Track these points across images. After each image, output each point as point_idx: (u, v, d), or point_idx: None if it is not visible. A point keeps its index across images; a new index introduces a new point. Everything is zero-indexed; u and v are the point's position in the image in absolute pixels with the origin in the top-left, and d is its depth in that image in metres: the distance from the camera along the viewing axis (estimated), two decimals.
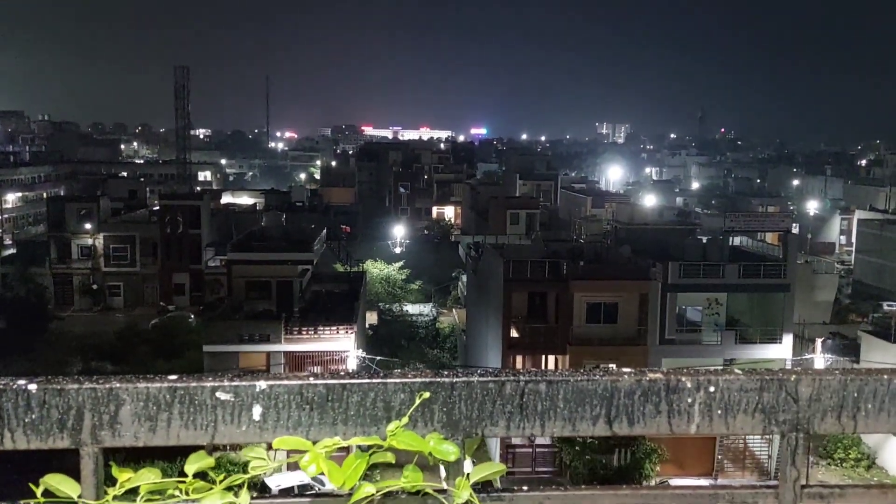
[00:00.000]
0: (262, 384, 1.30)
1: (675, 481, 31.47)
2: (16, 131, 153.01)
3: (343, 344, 33.36)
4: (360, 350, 34.70)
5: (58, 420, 1.28)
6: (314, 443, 1.31)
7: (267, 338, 33.30)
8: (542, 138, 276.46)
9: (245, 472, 1.35)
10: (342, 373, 1.33)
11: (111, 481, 1.33)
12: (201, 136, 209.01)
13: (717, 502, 1.48)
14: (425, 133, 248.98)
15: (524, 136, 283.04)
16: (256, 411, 1.31)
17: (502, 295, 34.80)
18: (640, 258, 36.61)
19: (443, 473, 1.35)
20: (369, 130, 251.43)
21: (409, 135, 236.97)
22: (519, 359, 36.47)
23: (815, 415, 1.39)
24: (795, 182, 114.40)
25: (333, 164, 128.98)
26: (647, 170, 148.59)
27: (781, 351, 35.51)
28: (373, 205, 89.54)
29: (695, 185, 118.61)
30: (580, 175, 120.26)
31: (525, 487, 1.44)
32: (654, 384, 1.37)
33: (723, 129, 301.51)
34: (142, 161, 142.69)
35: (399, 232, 72.43)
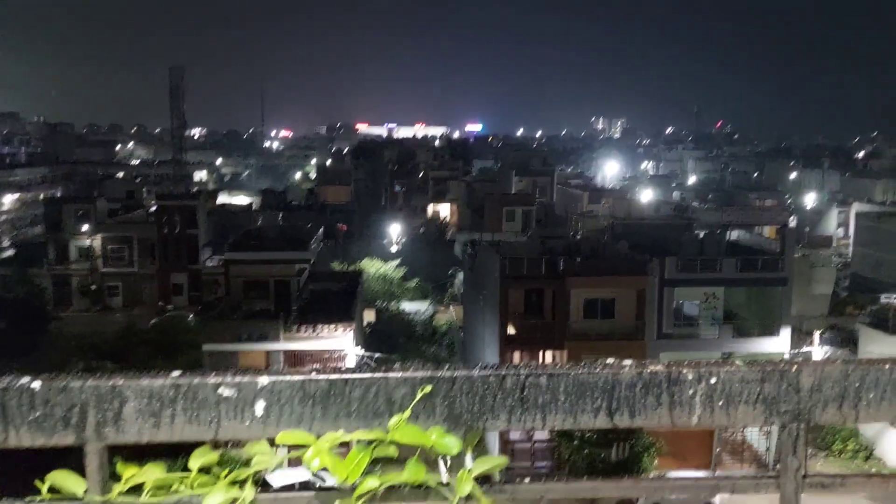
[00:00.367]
0: (264, 380, 1.31)
1: (673, 475, 31.53)
2: (11, 133, 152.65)
3: (342, 342, 33.39)
4: (359, 348, 34.74)
5: (62, 417, 1.29)
6: (317, 437, 1.32)
7: (265, 337, 33.32)
8: (538, 134, 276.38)
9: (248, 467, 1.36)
10: (344, 368, 1.34)
11: (116, 478, 1.33)
12: (196, 136, 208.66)
13: (718, 492, 1.49)
14: (420, 130, 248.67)
15: (520, 132, 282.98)
16: (259, 407, 1.31)
17: (499, 292, 34.83)
18: (637, 253, 36.65)
19: (442, 468, 1.36)
20: (364, 128, 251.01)
21: (404, 132, 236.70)
22: (516, 355, 36.51)
23: (817, 405, 1.40)
24: (793, 175, 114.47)
25: (329, 162, 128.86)
26: (644, 165, 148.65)
27: (779, 344, 35.59)
28: (369, 203, 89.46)
29: (692, 180, 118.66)
30: (577, 171, 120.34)
31: (527, 479, 1.45)
32: (655, 376, 1.37)
33: (719, 123, 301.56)
34: (138, 162, 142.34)
35: (395, 230, 72.43)
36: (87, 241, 61.28)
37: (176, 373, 1.32)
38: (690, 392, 1.38)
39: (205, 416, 1.31)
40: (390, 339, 44.98)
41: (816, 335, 36.36)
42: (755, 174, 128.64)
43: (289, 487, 1.43)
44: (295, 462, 1.37)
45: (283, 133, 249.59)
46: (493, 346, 35.96)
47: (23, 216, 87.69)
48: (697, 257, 36.53)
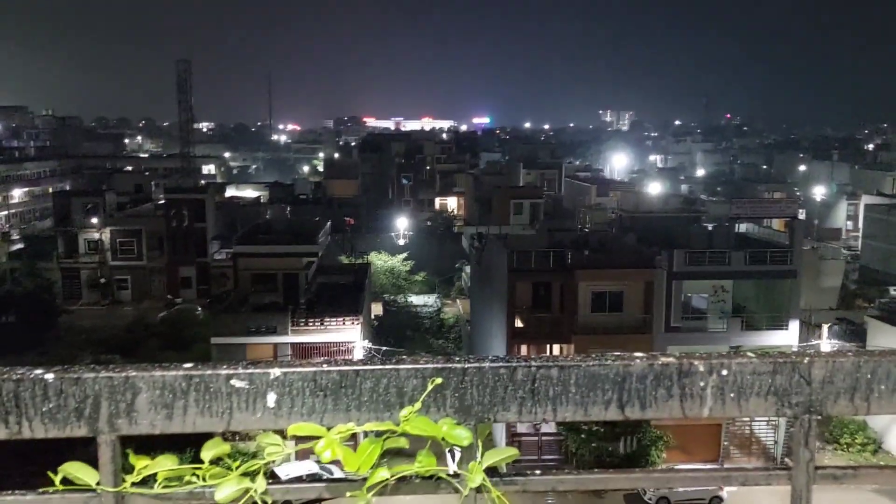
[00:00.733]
0: (276, 371, 1.32)
1: (681, 468, 31.53)
2: (20, 126, 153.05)
3: (349, 335, 33.46)
4: (367, 341, 34.80)
5: (75, 409, 1.29)
6: (328, 429, 1.33)
7: (274, 329, 33.41)
8: (546, 127, 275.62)
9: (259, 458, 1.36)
10: (355, 360, 1.34)
11: (128, 469, 1.34)
12: (205, 130, 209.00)
13: (729, 484, 1.48)
14: (427, 123, 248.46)
15: (527, 125, 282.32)
16: (271, 398, 1.32)
17: (506, 285, 34.80)
18: (645, 246, 36.56)
19: (449, 460, 1.36)
20: (371, 122, 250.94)
21: (411, 125, 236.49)
22: (524, 348, 36.49)
23: (829, 397, 1.39)
24: (802, 167, 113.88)
25: (336, 156, 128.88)
26: (652, 157, 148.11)
27: (788, 337, 35.47)
28: (376, 197, 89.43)
29: (700, 172, 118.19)
30: (584, 164, 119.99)
31: (538, 471, 1.45)
32: (666, 368, 1.37)
33: (728, 115, 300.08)
34: (146, 155, 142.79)
35: (402, 224, 72.42)
36: (96, 235, 61.53)
37: (188, 364, 1.33)
38: (702, 384, 1.38)
39: (217, 407, 1.31)
40: (398, 333, 45.05)
41: (825, 328, 36.20)
42: (764, 166, 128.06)
43: (298, 479, 1.43)
44: (301, 456, 1.37)
45: (291, 127, 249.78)
46: (500, 340, 35.96)
47: (32, 210, 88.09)
48: (706, 250, 36.41)
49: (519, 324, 35.31)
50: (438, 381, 1.32)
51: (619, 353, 1.39)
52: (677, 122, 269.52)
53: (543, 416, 1.36)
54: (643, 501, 30.05)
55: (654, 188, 79.47)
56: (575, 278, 34.40)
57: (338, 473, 1.33)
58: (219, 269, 56.23)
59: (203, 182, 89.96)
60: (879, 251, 64.39)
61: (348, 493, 1.36)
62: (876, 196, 76.58)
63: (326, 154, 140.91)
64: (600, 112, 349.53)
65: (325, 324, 33.64)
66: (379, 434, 1.33)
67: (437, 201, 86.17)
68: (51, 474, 1.33)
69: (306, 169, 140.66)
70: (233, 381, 1.31)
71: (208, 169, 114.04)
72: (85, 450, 1.41)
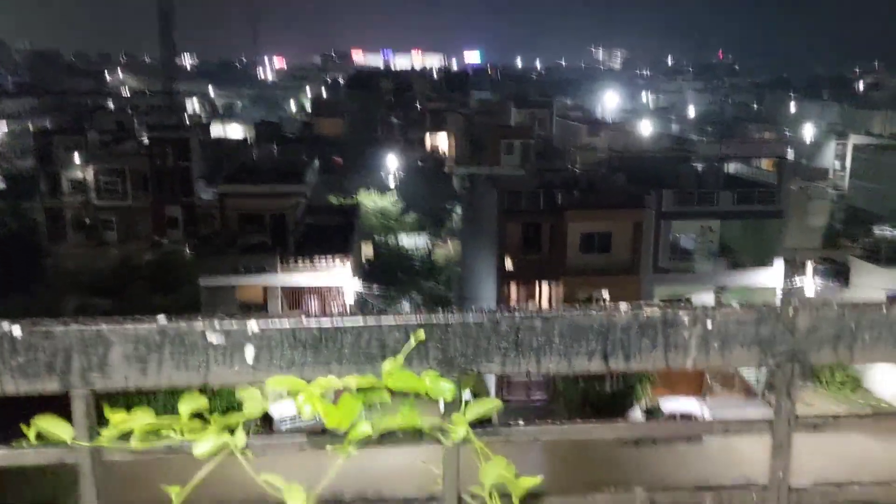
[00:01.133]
0: (253, 325, 1.29)
1: (665, 402, 32.19)
2: None
3: (339, 276, 33.53)
4: (357, 282, 34.92)
5: (46, 363, 1.26)
6: (308, 383, 1.31)
7: (263, 271, 33.40)
8: (537, 64, 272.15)
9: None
10: (335, 313, 1.32)
11: (104, 425, 1.32)
12: (189, 67, 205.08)
13: (712, 434, 1.49)
14: (417, 57, 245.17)
15: (519, 62, 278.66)
16: (249, 352, 1.29)
17: (496, 226, 34.84)
18: (635, 187, 36.56)
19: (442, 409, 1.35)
20: (359, 58, 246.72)
21: (400, 60, 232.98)
22: (513, 289, 36.76)
23: (812, 346, 1.39)
24: (792, 107, 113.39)
25: (324, 94, 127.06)
26: (644, 96, 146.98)
27: (772, 277, 35.89)
28: (365, 136, 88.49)
29: (691, 112, 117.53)
30: (576, 103, 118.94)
31: (521, 422, 1.44)
32: (650, 319, 1.36)
33: (721, 54, 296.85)
34: (128, 92, 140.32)
35: (392, 163, 71.92)
36: (79, 174, 60.78)
37: (162, 318, 1.30)
38: (686, 335, 1.37)
39: (193, 361, 1.29)
40: (388, 274, 45.19)
41: (809, 267, 36.60)
42: (755, 105, 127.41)
43: (279, 432, 1.42)
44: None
45: (277, 60, 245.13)
46: (490, 281, 36.18)
47: (12, 148, 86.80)
48: (695, 190, 36.48)
49: (509, 265, 35.48)
50: (421, 334, 1.30)
51: (603, 304, 1.38)
52: (669, 61, 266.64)
53: (527, 367, 1.35)
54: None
55: (646, 128, 79.06)
56: (564, 219, 34.45)
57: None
58: (205, 210, 55.88)
59: (187, 120, 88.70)
60: (866, 191, 64.70)
61: (329, 448, 1.35)
62: (864, 136, 76.50)
63: (314, 92, 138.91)
64: (592, 49, 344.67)
65: (315, 265, 33.65)
66: (361, 389, 1.32)
67: (428, 140, 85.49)
68: (24, 427, 1.30)
69: (293, 107, 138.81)
70: (209, 336, 1.28)
71: (192, 106, 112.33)
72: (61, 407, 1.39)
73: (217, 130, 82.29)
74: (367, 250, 45.14)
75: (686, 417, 31.28)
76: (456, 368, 1.33)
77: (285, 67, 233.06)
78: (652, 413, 31.93)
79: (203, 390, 1.36)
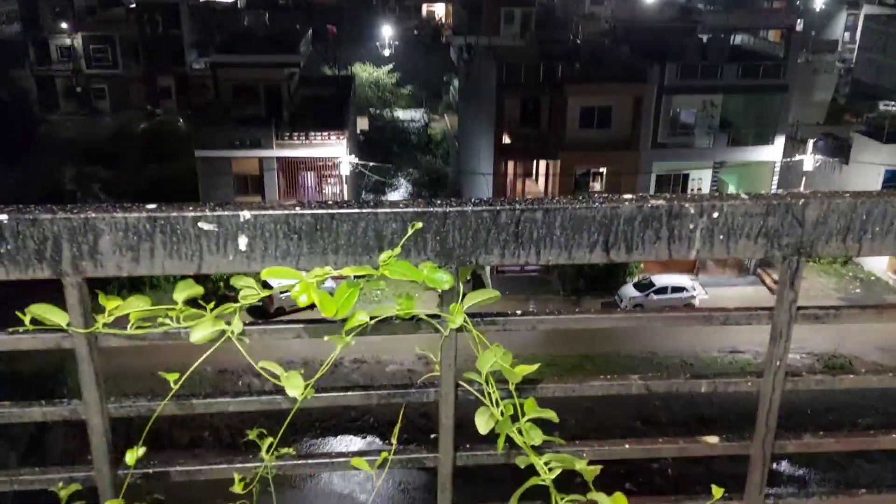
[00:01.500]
0: (246, 214, 1.25)
1: (657, 277, 32.77)
2: None
3: (335, 150, 33.21)
4: (353, 156, 34.63)
5: (35, 250, 1.24)
6: (304, 273, 1.29)
7: (258, 143, 33.04)
8: None
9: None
10: (330, 202, 1.28)
11: (99, 313, 1.31)
12: None
13: (711, 324, 1.49)
14: None
15: None
16: (242, 241, 1.26)
17: (495, 100, 34.19)
18: (638, 59, 35.61)
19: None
20: None
21: None
22: (510, 164, 36.55)
23: (820, 238, 1.37)
24: None
25: None
26: None
27: (772, 153, 35.63)
28: (359, 2, 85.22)
29: None
30: None
31: (519, 312, 1.44)
32: (655, 210, 1.32)
33: None
34: None
35: (387, 32, 69.65)
36: (68, 41, 58.98)
37: (151, 205, 1.26)
38: (691, 226, 1.34)
39: (186, 249, 1.26)
40: (384, 148, 44.78)
41: (810, 143, 36.26)
42: None
43: (278, 320, 1.41)
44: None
45: None
46: (487, 156, 35.89)
47: None
48: (699, 63, 35.56)
49: (507, 140, 35.08)
50: (419, 224, 1.27)
51: (607, 195, 1.34)
52: None
53: (527, 259, 1.33)
54: (618, 307, 31.47)
55: None
56: (564, 93, 33.76)
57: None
58: (198, 80, 54.57)
59: None
60: (874, 64, 63.21)
61: (326, 336, 1.34)
62: (878, 6, 73.89)
63: None
64: None
65: (311, 138, 33.24)
66: (358, 278, 1.30)
67: (424, 8, 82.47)
68: (19, 314, 1.30)
69: None
70: (200, 224, 1.25)
71: None
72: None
73: None
74: (362, 123, 44.53)
75: (678, 290, 31.92)
76: (454, 260, 1.30)
77: None
78: (645, 287, 32.53)
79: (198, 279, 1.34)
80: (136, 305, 1.32)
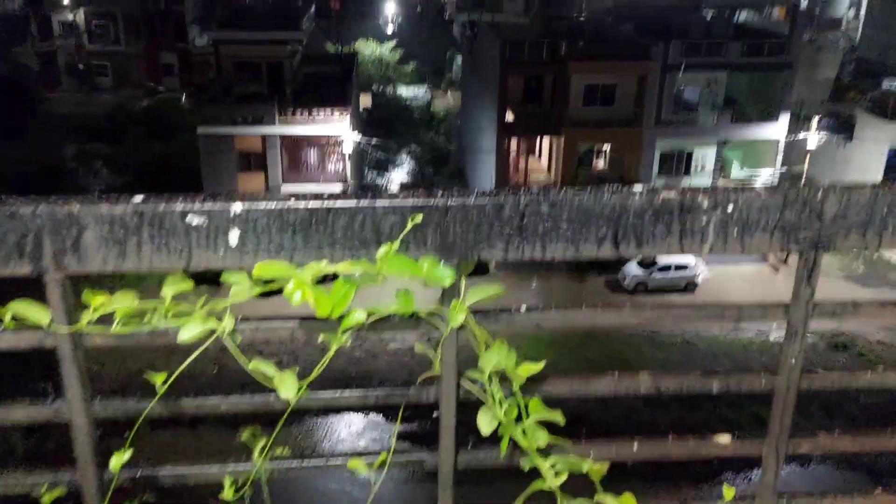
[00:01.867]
0: (237, 207, 1.19)
1: (660, 256, 32.70)
2: None
3: (338, 127, 33.04)
4: (356, 133, 34.46)
5: (15, 245, 1.17)
6: (298, 268, 1.22)
7: (261, 120, 32.86)
8: None
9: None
10: (326, 195, 1.21)
11: (82, 310, 1.25)
12: None
13: (723, 321, 1.43)
14: None
15: None
16: (233, 236, 1.20)
17: (498, 77, 33.94)
18: (642, 37, 35.30)
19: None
20: None
21: None
22: (514, 141, 36.36)
23: (839, 232, 1.30)
24: None
25: None
26: None
27: (776, 131, 35.42)
28: None
29: None
30: None
31: (523, 307, 1.38)
32: (667, 203, 1.26)
33: None
34: None
35: (391, 9, 69.06)
36: (70, 16, 58.57)
37: (137, 198, 1.20)
38: (704, 220, 1.28)
39: (174, 244, 1.20)
40: (387, 125, 44.55)
41: (814, 121, 36.03)
42: None
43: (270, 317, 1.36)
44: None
45: None
46: (490, 133, 35.70)
47: None
48: (703, 41, 35.23)
49: (510, 117, 34.87)
50: (419, 218, 1.21)
51: (616, 188, 1.27)
52: None
53: (532, 253, 1.27)
54: (622, 287, 31.44)
55: None
56: (568, 71, 33.50)
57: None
58: (200, 57, 54.23)
59: None
60: (879, 41, 62.58)
61: (321, 335, 1.29)
62: None
63: None
64: None
65: (313, 115, 33.05)
66: (354, 274, 1.23)
67: None
68: None
69: None
70: (189, 218, 1.19)
71: None
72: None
73: None
74: (365, 100, 44.27)
75: (681, 268, 31.85)
76: (456, 254, 1.24)
77: None
78: (648, 265, 32.47)
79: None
80: (123, 301, 1.26)
